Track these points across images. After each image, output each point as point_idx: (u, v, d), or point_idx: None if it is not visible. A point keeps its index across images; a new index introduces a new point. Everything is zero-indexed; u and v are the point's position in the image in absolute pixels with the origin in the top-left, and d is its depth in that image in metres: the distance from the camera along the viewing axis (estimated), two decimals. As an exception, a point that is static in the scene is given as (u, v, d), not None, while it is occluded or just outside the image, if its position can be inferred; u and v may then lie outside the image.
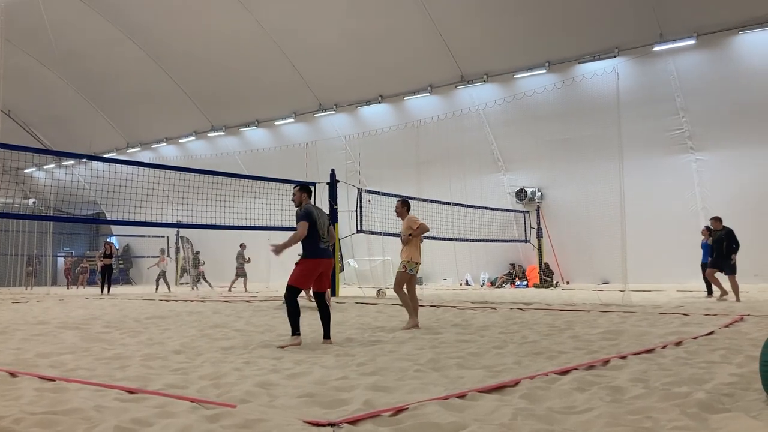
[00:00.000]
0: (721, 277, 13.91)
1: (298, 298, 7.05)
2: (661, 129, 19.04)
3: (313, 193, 7.52)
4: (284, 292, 7.04)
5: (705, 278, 14.69)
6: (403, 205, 9.03)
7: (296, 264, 7.08)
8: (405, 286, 8.70)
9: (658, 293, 16.06)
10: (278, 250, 6.89)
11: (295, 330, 6.89)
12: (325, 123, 25.05)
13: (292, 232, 7.14)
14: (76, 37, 25.53)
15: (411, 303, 8.66)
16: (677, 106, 18.60)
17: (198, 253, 26.02)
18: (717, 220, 14.14)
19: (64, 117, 31.76)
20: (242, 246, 22.28)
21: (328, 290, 7.47)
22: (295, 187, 7.46)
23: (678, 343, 6.45)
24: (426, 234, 8.92)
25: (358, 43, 21.72)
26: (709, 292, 14.60)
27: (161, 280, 23.62)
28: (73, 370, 5.43)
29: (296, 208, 7.29)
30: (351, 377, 4.90)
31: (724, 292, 13.45)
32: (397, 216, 9.14)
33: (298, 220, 7.05)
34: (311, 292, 8.37)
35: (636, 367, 5.12)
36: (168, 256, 29.93)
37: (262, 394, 4.30)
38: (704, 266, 14.75)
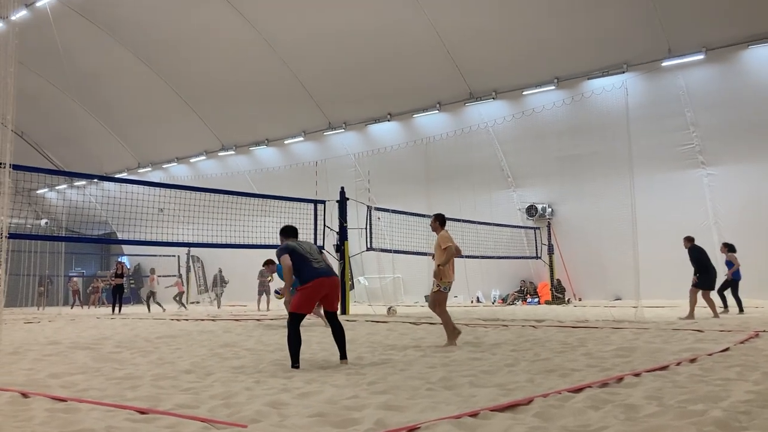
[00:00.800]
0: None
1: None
2: (671, 144, 18.99)
3: (296, 232, 7.41)
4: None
5: (735, 295, 14.42)
6: (436, 220, 8.88)
7: (296, 290, 6.79)
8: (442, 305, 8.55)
9: (672, 309, 15.91)
10: (287, 295, 6.85)
11: (295, 362, 6.52)
12: (334, 141, 25.17)
13: None
14: (87, 59, 25.86)
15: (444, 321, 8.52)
16: (687, 121, 18.55)
17: (220, 271, 26.12)
18: (686, 239, 13.92)
19: (76, 138, 32.10)
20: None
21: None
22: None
23: (693, 360, 6.38)
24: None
25: (367, 61, 21.84)
26: (740, 309, 14.31)
27: (151, 300, 23.24)
28: (84, 390, 5.43)
29: None
30: (362, 396, 4.86)
31: (715, 314, 13.17)
32: (432, 231, 9.00)
33: (277, 258, 6.91)
34: (322, 312, 8.29)
35: (650, 384, 5.06)
36: (178, 276, 30.08)
37: (273, 413, 4.28)
38: (735, 283, 14.45)
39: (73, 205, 30.15)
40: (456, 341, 8.44)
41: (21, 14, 21.88)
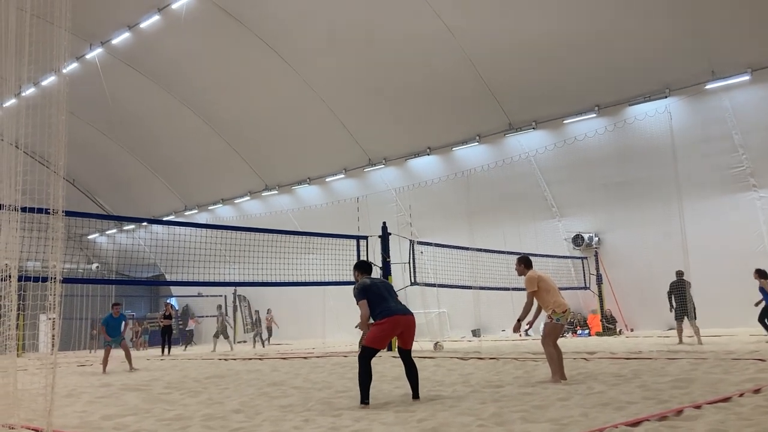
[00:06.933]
0: None
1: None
2: (720, 167, 18.50)
3: (371, 268, 7.43)
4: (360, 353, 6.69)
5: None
6: (520, 264, 8.52)
7: (371, 325, 6.74)
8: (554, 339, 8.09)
9: (730, 338, 15.33)
10: (363, 329, 6.84)
11: (364, 398, 6.45)
12: (374, 177, 25.33)
13: (349, 286, 7.02)
14: (133, 106, 26.78)
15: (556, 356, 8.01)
16: (735, 144, 18.09)
17: (257, 312, 26.40)
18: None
19: (125, 183, 33.06)
20: None
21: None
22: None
23: (756, 391, 6.10)
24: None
25: (404, 96, 22.02)
26: None
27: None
28: (136, 431, 5.46)
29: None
30: (412, 434, 4.78)
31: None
32: (519, 275, 8.63)
33: (356, 300, 6.77)
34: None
35: (712, 417, 4.85)
36: (226, 314, 30.40)
37: (322, 453, 4.22)
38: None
39: (123, 249, 30.92)
40: (560, 379, 7.86)
41: (72, 66, 22.86)
